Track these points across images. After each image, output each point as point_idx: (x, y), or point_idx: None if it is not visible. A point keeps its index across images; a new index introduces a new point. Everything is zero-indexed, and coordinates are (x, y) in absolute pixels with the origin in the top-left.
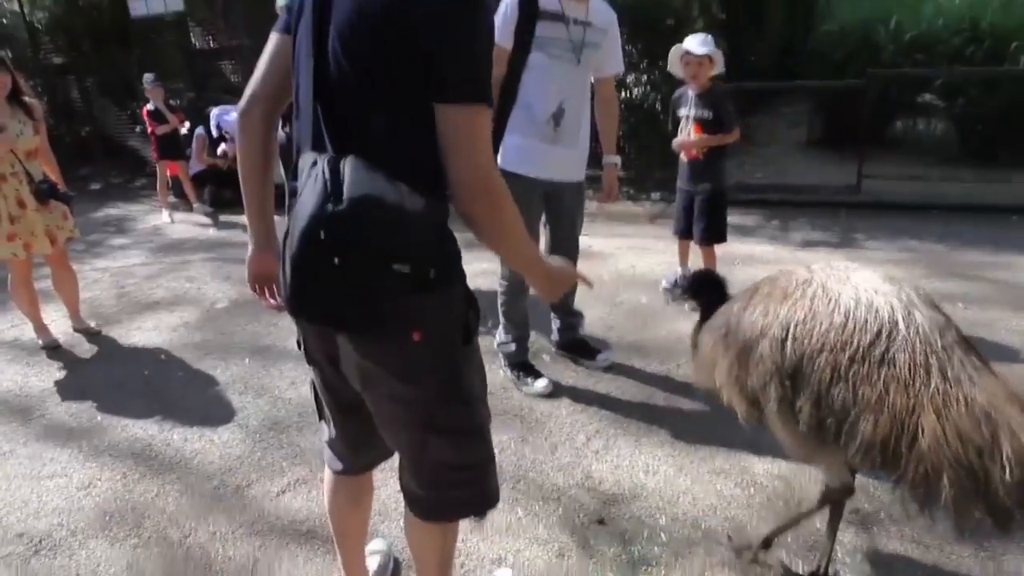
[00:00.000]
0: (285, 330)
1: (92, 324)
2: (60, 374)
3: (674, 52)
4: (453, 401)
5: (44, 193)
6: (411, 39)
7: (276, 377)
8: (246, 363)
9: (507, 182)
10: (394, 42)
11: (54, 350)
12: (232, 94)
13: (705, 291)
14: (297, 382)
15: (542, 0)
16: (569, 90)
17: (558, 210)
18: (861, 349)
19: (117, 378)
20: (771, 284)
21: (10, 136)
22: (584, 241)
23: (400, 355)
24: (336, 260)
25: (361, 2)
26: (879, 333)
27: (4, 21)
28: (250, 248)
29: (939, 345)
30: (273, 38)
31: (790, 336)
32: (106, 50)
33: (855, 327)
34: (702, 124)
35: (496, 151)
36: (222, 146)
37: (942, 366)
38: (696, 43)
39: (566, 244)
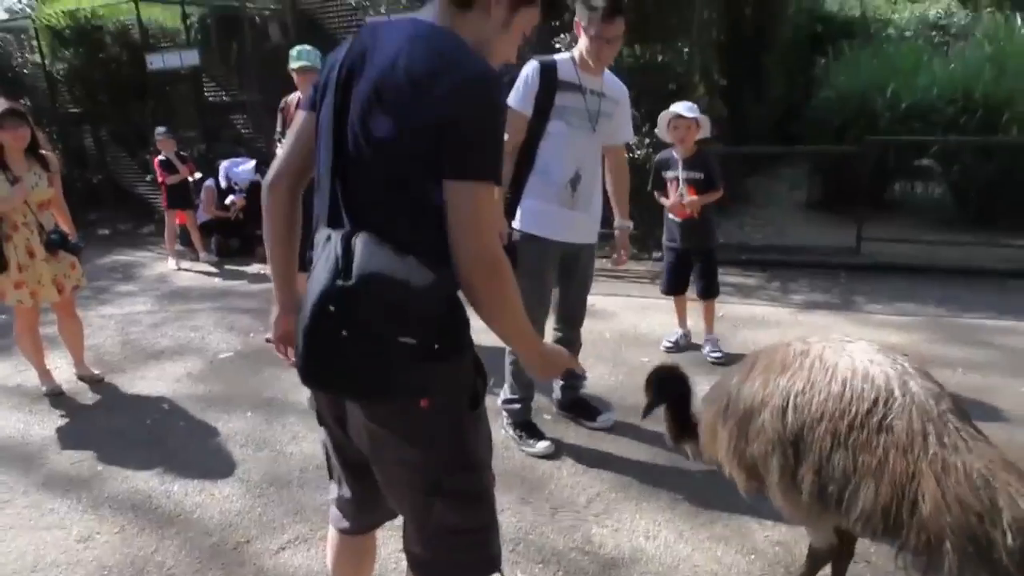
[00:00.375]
0: (288, 383)
1: (96, 372)
2: (62, 422)
3: (663, 117)
4: (459, 466)
5: (54, 243)
6: (428, 119)
7: (278, 431)
8: (248, 416)
9: (526, 244)
10: (411, 121)
11: (57, 397)
12: (242, 146)
13: (667, 389)
14: (299, 437)
15: (561, 71)
16: (585, 157)
17: (572, 271)
18: (859, 417)
19: (119, 427)
20: (769, 356)
21: (25, 188)
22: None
23: (407, 421)
24: (344, 333)
25: (380, 82)
26: (876, 401)
27: (26, 71)
28: (275, 310)
29: (935, 413)
30: (300, 115)
31: (791, 406)
32: (122, 101)
33: (853, 396)
34: (695, 185)
35: (513, 214)
36: (230, 197)
37: (939, 433)
38: (684, 108)
39: (576, 304)
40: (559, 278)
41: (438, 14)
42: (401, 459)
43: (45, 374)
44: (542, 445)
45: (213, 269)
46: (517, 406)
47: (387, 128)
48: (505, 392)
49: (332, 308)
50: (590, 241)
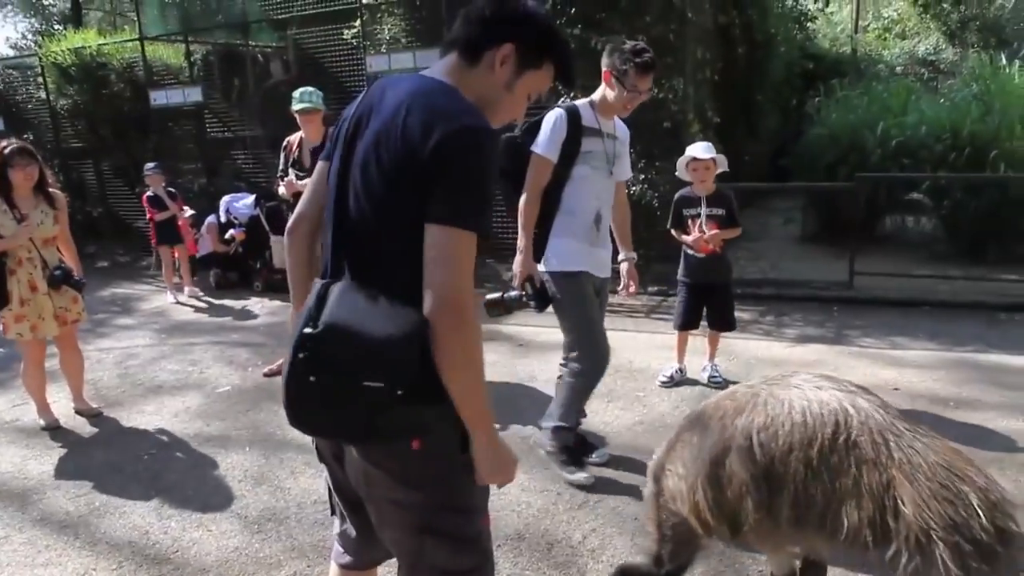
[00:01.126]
0: (285, 419)
1: (94, 406)
2: (59, 456)
3: (681, 160)
4: (450, 508)
5: (57, 279)
6: (417, 171)
7: (276, 466)
8: (246, 451)
9: (566, 280)
10: (403, 174)
11: (55, 431)
12: (241, 181)
13: None
14: (296, 472)
15: (584, 117)
16: (603, 196)
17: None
18: (826, 441)
19: (117, 462)
20: (717, 407)
21: (31, 226)
22: None
23: (399, 461)
24: (312, 378)
25: (379, 137)
26: (837, 423)
27: (29, 107)
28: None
29: (887, 422)
30: (320, 165)
31: (755, 443)
32: (124, 136)
33: (815, 423)
34: (718, 221)
35: (540, 255)
36: (230, 231)
37: (896, 439)
38: (701, 149)
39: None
40: None
41: (446, 69)
42: (393, 499)
43: (45, 408)
44: (581, 475)
45: (206, 304)
46: (565, 430)
47: (382, 181)
48: (553, 417)
49: (301, 355)
50: (608, 275)
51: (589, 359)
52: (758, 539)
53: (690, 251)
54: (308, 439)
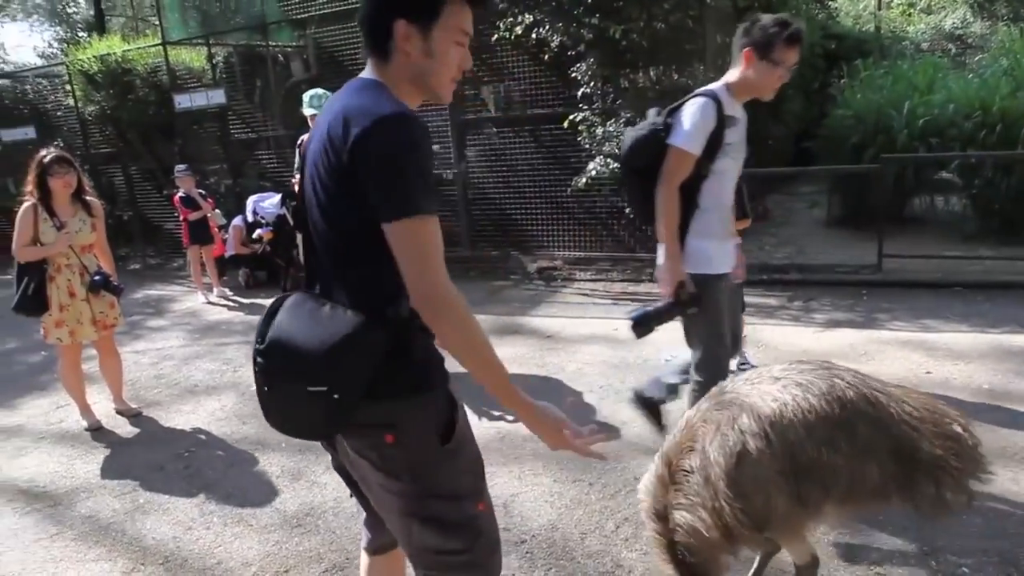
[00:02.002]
0: None
1: (134, 406)
2: (104, 456)
3: None
4: (433, 495)
5: (97, 285)
6: (347, 175)
7: (312, 462)
8: (283, 447)
9: (710, 285)
10: (338, 178)
11: (97, 432)
12: (266, 180)
13: None
14: (331, 468)
15: (726, 106)
16: (733, 188)
17: (732, 297)
18: (834, 414)
19: (158, 460)
20: (703, 423)
21: (70, 234)
22: (609, 325)
23: (377, 452)
24: (265, 388)
25: (318, 148)
26: (836, 397)
27: (58, 113)
28: None
29: (870, 385)
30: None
31: (772, 439)
32: (151, 140)
33: (819, 402)
34: None
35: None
36: (258, 231)
37: (887, 398)
38: None
39: (740, 327)
40: None
41: (372, 68)
42: (381, 484)
43: (86, 409)
44: None
45: (236, 303)
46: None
47: (324, 191)
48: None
49: (256, 369)
50: (733, 265)
51: (717, 367)
52: (787, 531)
53: None
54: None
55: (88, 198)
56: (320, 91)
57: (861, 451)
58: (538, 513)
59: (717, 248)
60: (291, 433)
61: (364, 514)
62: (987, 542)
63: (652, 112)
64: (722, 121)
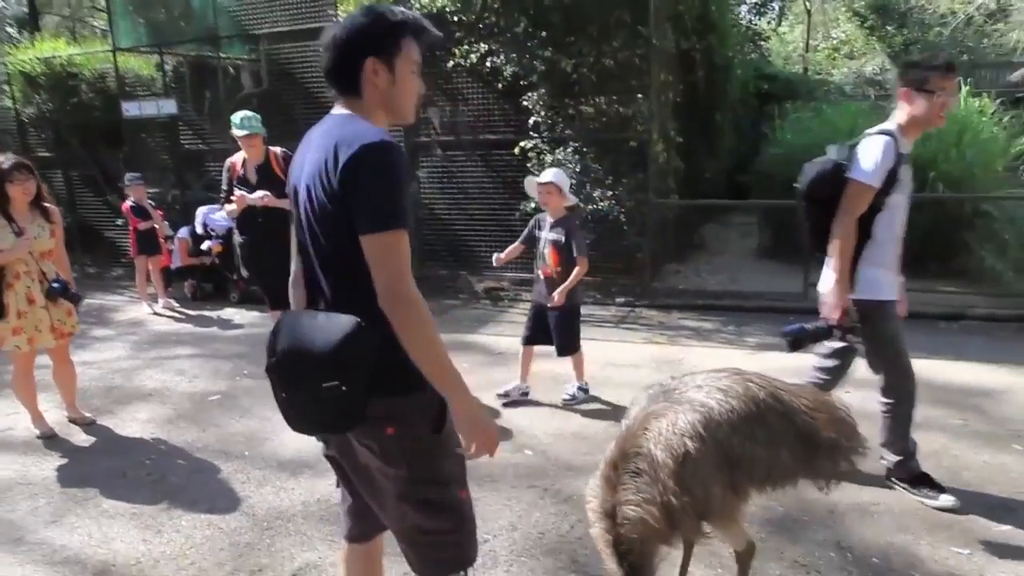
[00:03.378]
0: (280, 423)
1: (87, 415)
2: (60, 463)
3: (528, 181)
4: (425, 481)
5: (55, 291)
6: (337, 198)
7: (276, 468)
8: (246, 455)
9: (883, 310)
10: (331, 202)
11: (50, 440)
12: (213, 192)
13: None
14: (297, 473)
15: (900, 144)
16: (904, 223)
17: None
18: (751, 412)
19: (119, 467)
20: (642, 427)
21: (29, 240)
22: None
23: (378, 443)
24: (283, 395)
25: (311, 179)
26: (751, 397)
27: None
28: None
29: (773, 385)
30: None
31: (706, 438)
32: (94, 146)
33: (738, 403)
34: (556, 246)
35: (852, 280)
36: (207, 243)
37: (786, 394)
38: (544, 174)
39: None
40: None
41: (346, 104)
42: (380, 470)
43: (38, 417)
44: (947, 500)
45: (182, 314)
46: (907, 461)
47: (322, 209)
48: (892, 453)
49: (272, 380)
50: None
51: (904, 388)
52: (724, 518)
53: (537, 271)
54: (304, 444)
55: (47, 205)
56: (249, 113)
57: (775, 440)
58: (499, 515)
59: (887, 277)
60: (313, 431)
61: (347, 503)
62: (893, 536)
63: (832, 148)
64: (899, 158)
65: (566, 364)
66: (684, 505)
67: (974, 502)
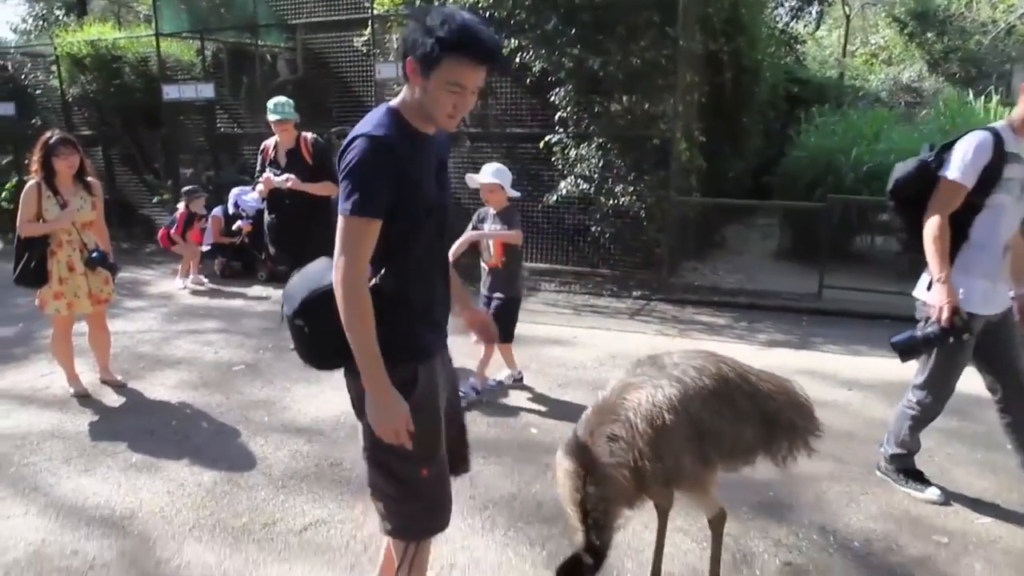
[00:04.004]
0: (299, 394)
1: (119, 378)
2: (92, 420)
3: (468, 178)
4: (384, 448)
5: (94, 261)
6: None
7: (293, 434)
8: (265, 420)
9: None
10: None
11: (84, 399)
12: (246, 175)
13: None
14: (312, 439)
15: (1007, 142)
16: (1014, 227)
17: (1006, 338)
18: (720, 389)
19: (147, 426)
20: (620, 397)
21: (73, 211)
22: (570, 332)
23: (355, 394)
24: (281, 321)
25: None
26: (721, 376)
27: (39, 92)
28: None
29: (742, 367)
30: None
31: (680, 411)
32: (134, 127)
33: (710, 380)
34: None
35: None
36: (238, 222)
37: (755, 376)
38: (485, 173)
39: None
40: (996, 349)
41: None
42: (356, 416)
43: (74, 378)
44: (933, 492)
45: (212, 290)
46: (904, 457)
47: None
48: (892, 444)
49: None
50: (1008, 306)
51: (938, 399)
52: (694, 486)
53: (483, 264)
54: (320, 413)
55: (89, 179)
56: (283, 99)
57: (740, 418)
58: (501, 486)
59: (978, 286)
60: (301, 358)
61: None
62: (876, 523)
63: (924, 147)
64: (1000, 156)
65: (576, 349)
66: (655, 471)
67: (961, 496)
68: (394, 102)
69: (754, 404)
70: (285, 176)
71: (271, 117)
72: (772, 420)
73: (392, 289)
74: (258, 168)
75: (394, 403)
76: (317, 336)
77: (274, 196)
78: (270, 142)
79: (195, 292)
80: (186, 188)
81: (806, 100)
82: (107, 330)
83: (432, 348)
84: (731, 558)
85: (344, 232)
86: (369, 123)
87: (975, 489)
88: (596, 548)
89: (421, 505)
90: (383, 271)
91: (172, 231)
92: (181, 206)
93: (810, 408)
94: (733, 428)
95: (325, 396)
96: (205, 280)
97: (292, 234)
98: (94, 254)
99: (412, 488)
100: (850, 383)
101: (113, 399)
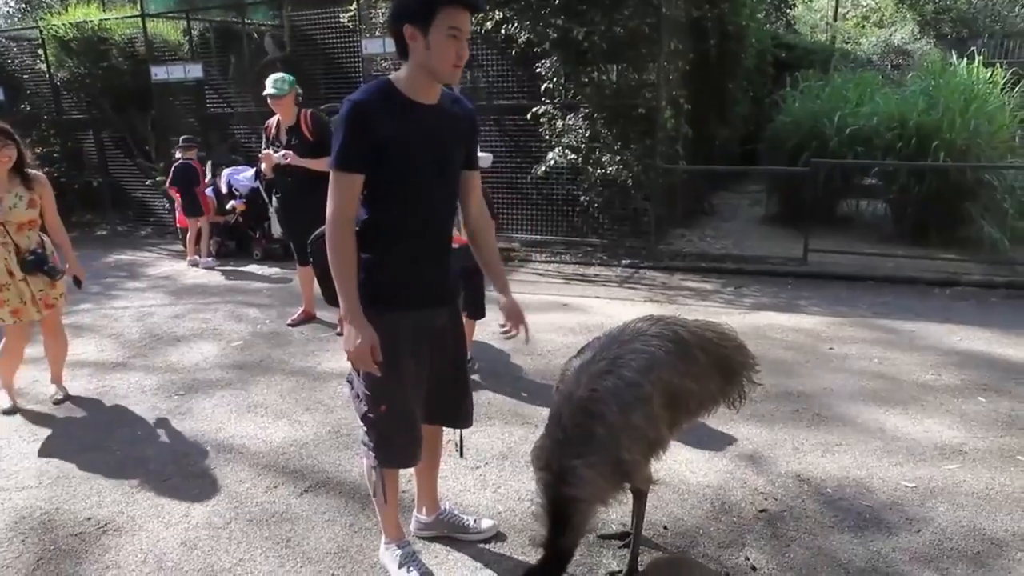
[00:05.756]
0: (296, 367)
1: (62, 393)
2: (97, 394)
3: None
4: (360, 375)
5: (30, 264)
6: None
7: (292, 404)
8: (264, 392)
9: None
10: None
11: (10, 415)
12: (237, 154)
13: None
14: (311, 409)
15: None
16: None
17: None
18: (684, 354)
19: (150, 401)
20: (592, 388)
21: (2, 210)
22: (560, 300)
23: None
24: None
25: None
26: (681, 340)
27: (25, 76)
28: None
29: (689, 322)
30: None
31: (656, 381)
32: (124, 109)
33: (675, 347)
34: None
35: None
36: (231, 202)
37: (700, 327)
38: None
39: None
40: None
41: (401, 68)
42: None
43: (9, 389)
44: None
45: (223, 269)
46: None
47: None
48: None
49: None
50: None
51: None
52: (653, 456)
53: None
54: (316, 383)
55: (30, 171)
56: (279, 75)
57: (703, 374)
58: (491, 447)
59: None
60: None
61: None
62: (849, 471)
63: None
64: None
65: (566, 315)
66: (636, 457)
67: (931, 444)
68: (392, 75)
69: (708, 356)
70: (283, 152)
71: (267, 92)
72: (726, 366)
73: (374, 237)
74: (263, 147)
75: (362, 330)
76: (322, 272)
77: (277, 174)
78: (272, 121)
79: (194, 271)
80: (183, 138)
81: (794, 65)
82: (63, 338)
83: (411, 302)
84: (711, 507)
85: (331, 182)
86: (357, 92)
87: (946, 435)
88: (561, 555)
89: (376, 433)
90: (366, 219)
91: (176, 196)
92: (178, 154)
93: (744, 344)
94: (699, 385)
95: (324, 366)
96: (201, 260)
97: (294, 212)
98: (29, 257)
99: (371, 420)
100: (830, 341)
101: (115, 374)
